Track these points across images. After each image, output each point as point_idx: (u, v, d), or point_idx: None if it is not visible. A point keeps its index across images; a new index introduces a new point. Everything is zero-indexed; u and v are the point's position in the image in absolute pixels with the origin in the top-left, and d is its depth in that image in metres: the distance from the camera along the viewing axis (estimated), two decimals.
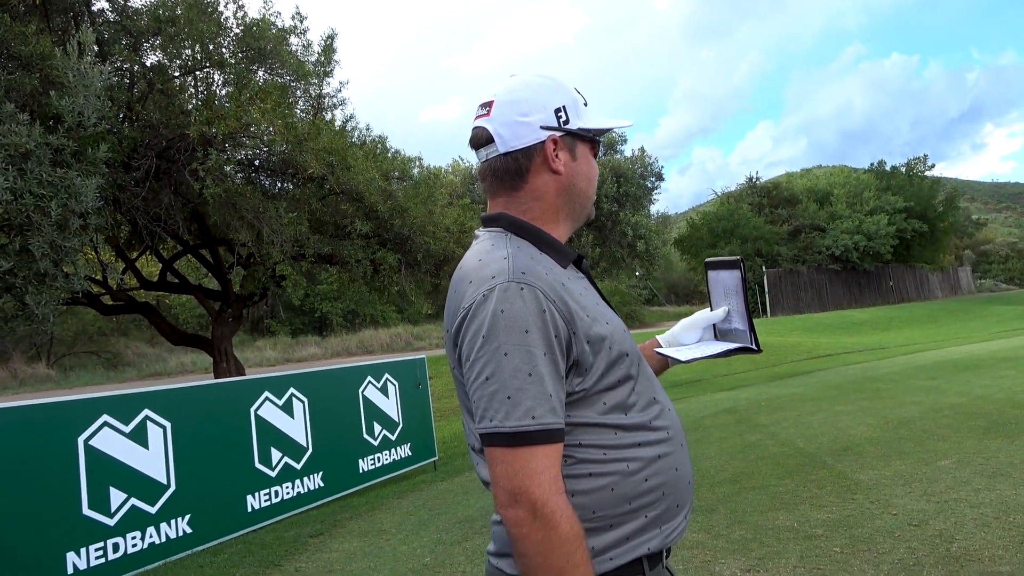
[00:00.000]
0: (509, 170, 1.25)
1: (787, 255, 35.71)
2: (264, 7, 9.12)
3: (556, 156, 1.24)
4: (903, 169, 41.47)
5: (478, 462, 1.23)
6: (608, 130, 1.36)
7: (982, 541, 3.51)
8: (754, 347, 1.45)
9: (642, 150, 25.39)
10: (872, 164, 42.74)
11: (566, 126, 1.25)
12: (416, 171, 10.96)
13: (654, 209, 31.81)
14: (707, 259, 1.57)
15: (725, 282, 1.51)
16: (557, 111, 1.25)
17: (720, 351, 1.47)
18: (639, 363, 1.24)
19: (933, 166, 43.56)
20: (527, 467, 1.05)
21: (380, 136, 10.44)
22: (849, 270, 36.31)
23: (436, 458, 7.38)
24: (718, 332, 1.56)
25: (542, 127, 1.23)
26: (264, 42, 8.35)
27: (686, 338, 1.56)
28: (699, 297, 45.42)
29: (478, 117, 1.27)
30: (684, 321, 1.58)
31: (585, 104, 1.31)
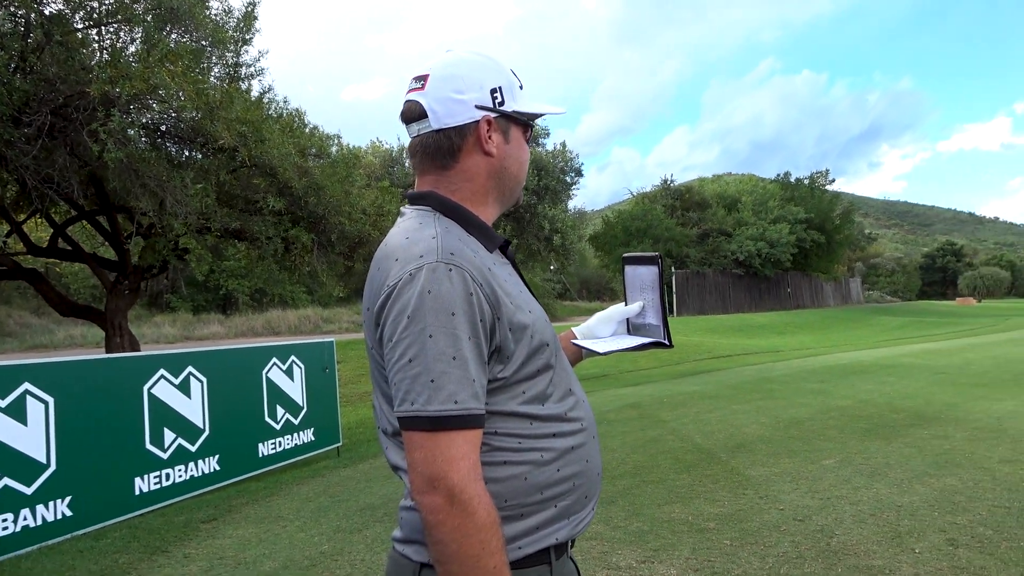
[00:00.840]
0: (441, 148, 1.22)
1: (695, 257, 37.01)
2: None
3: (489, 137, 1.22)
4: (806, 182, 43.69)
5: (388, 446, 1.21)
6: (541, 115, 1.36)
7: (858, 536, 3.75)
8: (666, 342, 1.48)
9: (563, 145, 25.65)
10: (778, 175, 44.87)
11: (501, 107, 1.23)
12: (334, 149, 10.69)
13: (572, 204, 32.22)
14: (625, 254, 1.58)
15: (642, 277, 1.53)
16: (493, 91, 1.23)
17: (634, 344, 1.50)
18: (557, 353, 1.24)
19: (833, 180, 46.12)
20: (447, 453, 1.03)
21: (298, 110, 10.11)
22: (751, 275, 38.00)
23: (340, 444, 7.24)
24: (631, 326, 1.58)
25: (477, 106, 1.21)
26: (180, 1, 7.91)
27: (601, 331, 1.56)
28: (610, 294, 46.40)
29: (411, 91, 1.23)
30: (600, 314, 1.59)
31: (521, 87, 1.29)
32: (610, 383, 11.94)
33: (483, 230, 1.22)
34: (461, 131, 1.21)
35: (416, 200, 1.25)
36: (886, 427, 6.47)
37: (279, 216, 8.80)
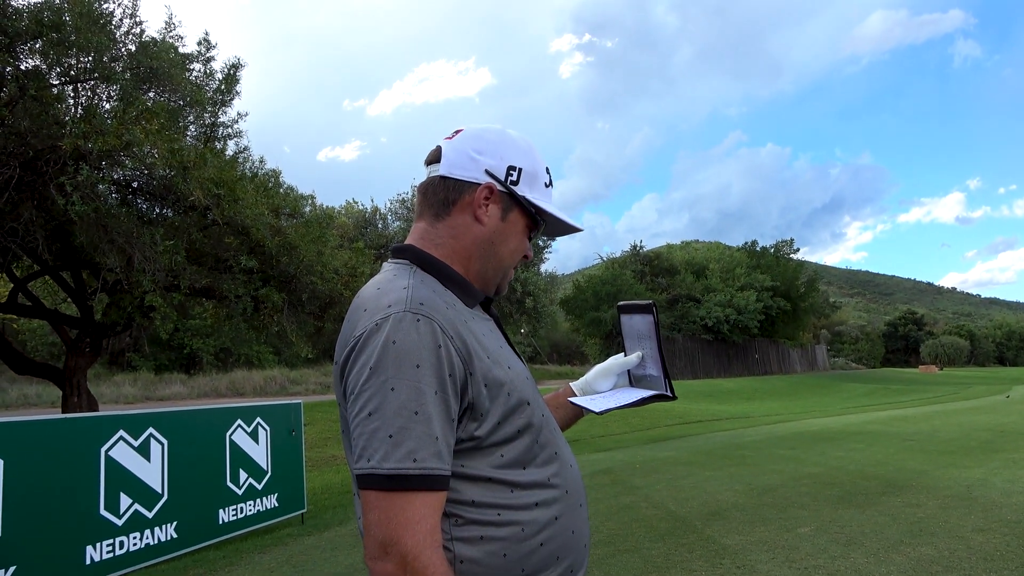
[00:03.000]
0: (438, 195, 1.21)
1: (664, 323, 37.35)
2: (166, 29, 8.77)
3: (484, 205, 1.20)
4: (772, 250, 44.74)
5: (356, 505, 1.15)
6: (555, 220, 1.29)
7: None
8: (669, 394, 1.41)
9: None
10: (745, 243, 45.93)
11: (511, 186, 1.21)
12: (308, 209, 10.69)
13: (544, 268, 32.55)
14: (619, 303, 1.51)
15: (638, 327, 1.46)
16: (511, 168, 1.21)
17: (635, 399, 1.41)
18: (542, 414, 1.18)
19: (798, 250, 47.32)
20: (402, 515, 0.97)
21: (273, 170, 10.15)
22: (720, 341, 38.37)
23: (305, 510, 6.99)
24: (633, 379, 1.50)
25: (487, 171, 1.20)
26: (160, 63, 7.98)
27: (600, 385, 1.50)
28: (580, 358, 46.31)
29: (445, 139, 1.25)
30: (598, 368, 1.52)
31: (547, 185, 1.27)
32: (581, 448, 11.79)
33: (462, 284, 1.19)
34: (461, 186, 1.20)
35: (397, 253, 1.24)
36: (859, 495, 6.45)
37: (250, 275, 8.70)
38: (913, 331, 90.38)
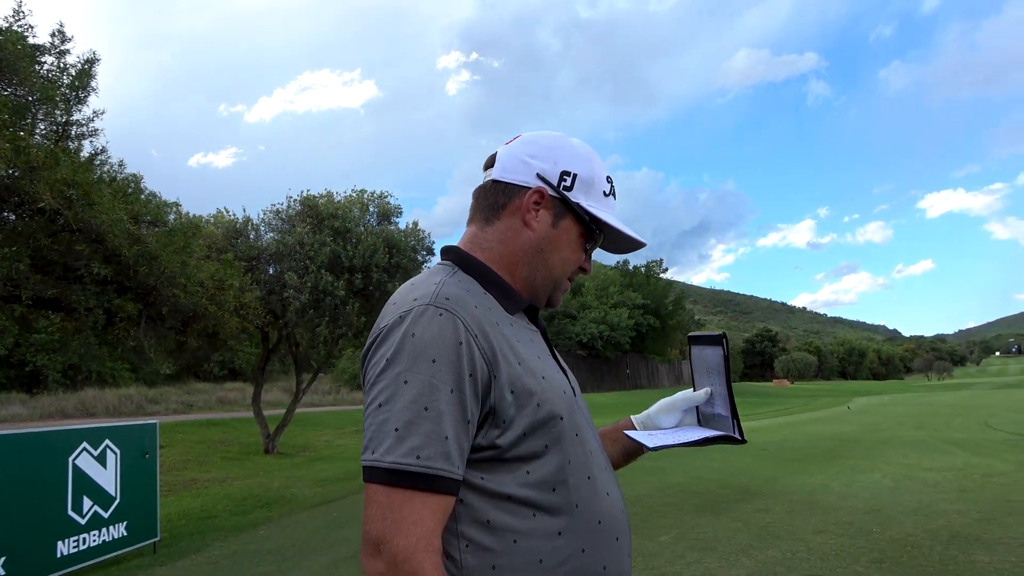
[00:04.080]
0: (489, 199, 1.18)
1: None
2: (13, 18, 8.06)
3: (534, 209, 1.15)
4: (643, 270, 46.80)
5: None
6: (613, 231, 1.20)
7: None
8: (737, 436, 1.26)
9: (415, 223, 25.98)
10: (618, 263, 47.75)
11: (564, 191, 1.15)
12: (172, 217, 10.10)
13: None
14: (690, 333, 1.38)
15: (708, 360, 1.32)
16: (565, 173, 1.16)
17: (696, 438, 1.27)
18: (579, 432, 1.10)
19: (667, 270, 49.84)
20: (398, 513, 0.91)
21: (134, 175, 9.52)
22: (594, 356, 39.61)
23: (158, 539, 6.54)
24: (701, 417, 1.36)
25: (538, 175, 1.15)
26: (4, 54, 7.31)
27: (663, 421, 1.36)
28: None
29: (504, 144, 1.22)
30: (663, 402, 1.38)
31: (607, 194, 1.20)
32: None
33: (502, 288, 1.13)
34: (511, 190, 1.16)
35: (443, 254, 1.21)
36: (717, 502, 6.84)
37: (103, 285, 8.10)
38: (768, 347, 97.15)
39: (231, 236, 12.69)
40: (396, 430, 0.93)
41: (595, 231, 1.18)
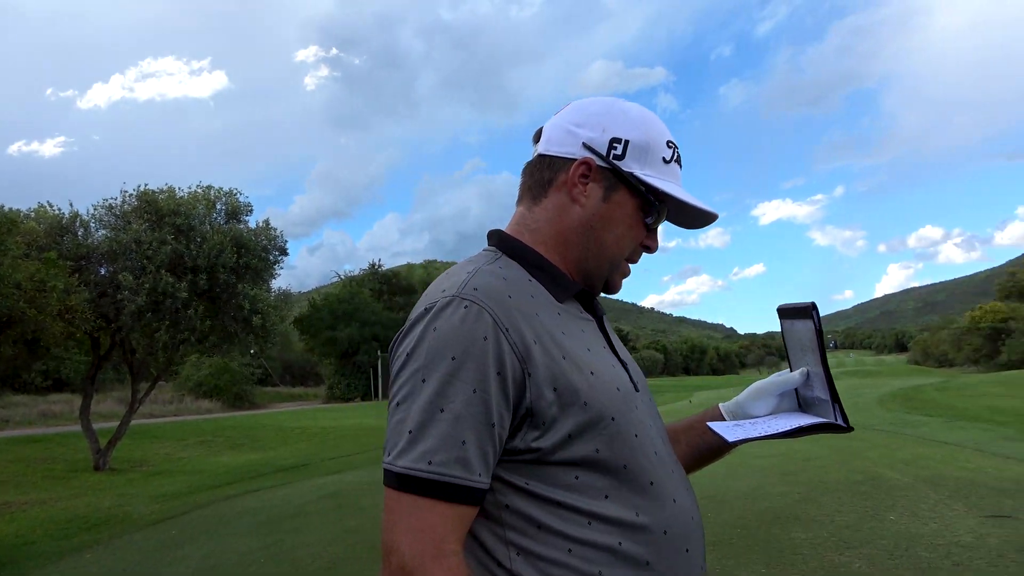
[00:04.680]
0: (535, 176, 1.08)
1: None
2: None
3: (581, 183, 1.03)
4: None
5: None
6: (676, 201, 1.06)
7: None
8: (840, 423, 1.08)
9: (267, 222, 24.87)
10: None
11: (615, 160, 1.02)
12: None
13: (275, 284, 30.91)
14: (780, 305, 1.17)
15: (800, 335, 1.14)
16: (615, 140, 1.02)
17: (789, 428, 1.09)
18: (639, 433, 0.98)
19: None
20: (406, 520, 0.85)
21: None
22: None
23: None
24: (803, 402, 1.17)
25: (584, 144, 1.03)
26: None
27: (755, 408, 1.18)
28: (315, 379, 44.55)
29: (554, 114, 1.10)
30: (754, 386, 1.20)
31: (667, 161, 1.06)
32: (310, 472, 11.39)
33: (550, 273, 1.02)
34: (557, 163, 1.05)
35: (488, 239, 1.10)
36: None
37: None
38: None
39: (55, 233, 11.54)
40: (410, 432, 0.86)
41: (654, 203, 1.04)
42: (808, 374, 1.13)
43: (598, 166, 1.02)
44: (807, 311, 1.09)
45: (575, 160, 1.03)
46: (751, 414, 1.17)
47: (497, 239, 1.07)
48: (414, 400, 0.87)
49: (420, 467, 0.85)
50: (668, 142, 1.06)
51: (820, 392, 1.10)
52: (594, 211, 1.03)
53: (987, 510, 5.67)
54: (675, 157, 1.06)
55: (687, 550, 0.97)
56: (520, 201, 1.10)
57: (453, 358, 0.87)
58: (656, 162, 1.04)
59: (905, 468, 7.93)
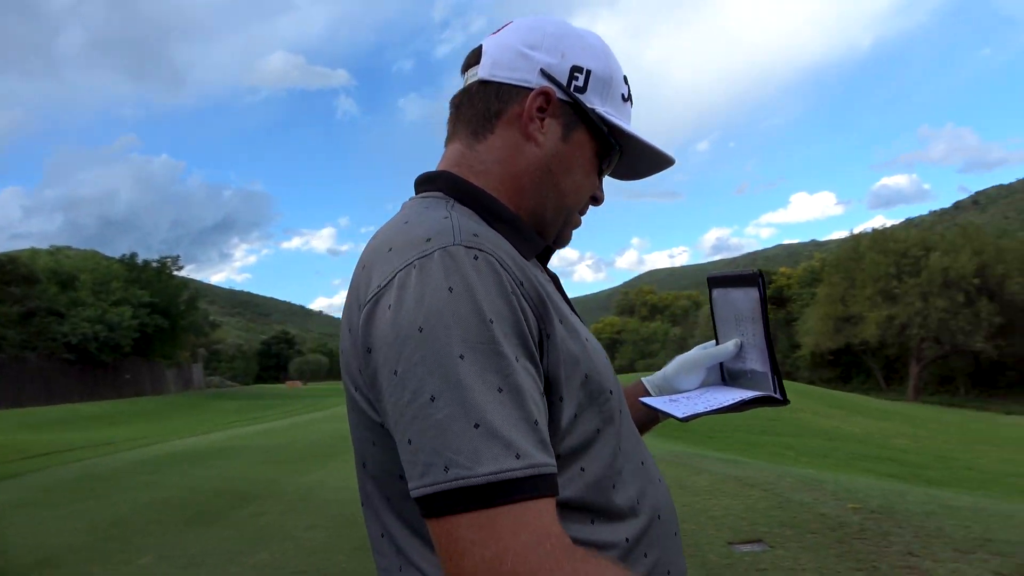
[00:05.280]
0: (476, 106, 0.87)
1: (14, 340, 31.57)
2: None
3: (538, 118, 0.85)
4: (155, 265, 42.64)
5: (392, 551, 0.79)
6: (638, 145, 0.92)
7: None
8: (778, 396, 1.02)
9: None
10: (124, 255, 42.56)
11: (576, 93, 0.86)
12: None
13: None
14: (711, 274, 1.11)
15: (738, 305, 1.06)
16: (575, 69, 0.86)
17: (733, 401, 1.02)
18: (623, 408, 0.85)
19: (182, 267, 46.01)
20: (521, 536, 0.62)
21: None
22: (86, 361, 34.43)
23: None
24: (728, 374, 1.12)
25: (542, 71, 0.85)
26: None
27: (683, 382, 1.10)
28: None
29: (489, 35, 0.90)
30: (680, 359, 1.11)
31: (625, 98, 0.91)
32: None
33: (515, 226, 0.83)
34: (507, 92, 0.86)
35: (422, 184, 0.89)
36: (209, 513, 6.50)
37: None
38: (285, 349, 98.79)
39: None
40: (476, 426, 0.64)
41: (615, 146, 0.90)
42: (741, 345, 1.06)
43: (558, 99, 0.86)
44: (752, 279, 1.01)
45: (531, 90, 0.85)
46: (679, 388, 1.10)
47: (446, 182, 0.86)
48: (458, 386, 0.65)
49: (510, 466, 0.64)
50: (624, 77, 0.92)
51: (756, 364, 1.04)
52: (553, 151, 0.87)
53: None
54: (630, 96, 0.93)
55: (675, 533, 0.89)
56: (452, 138, 0.91)
57: (490, 320, 0.67)
58: (616, 99, 0.90)
59: None
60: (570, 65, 0.86)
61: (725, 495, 6.20)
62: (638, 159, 0.96)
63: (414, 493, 0.66)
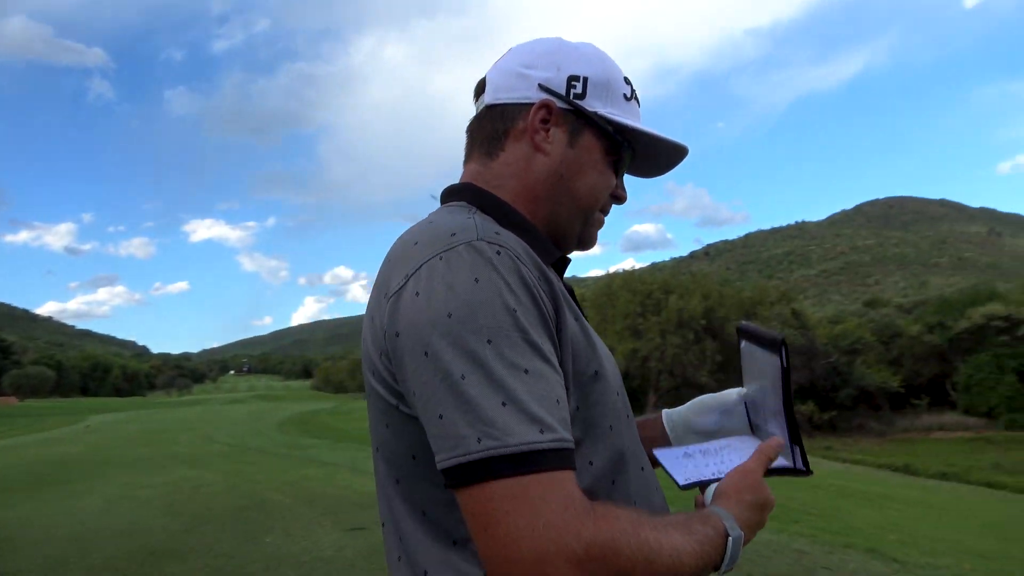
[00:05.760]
0: (486, 128, 0.95)
1: None
2: None
3: (545, 130, 0.92)
4: None
5: (402, 544, 0.82)
6: (646, 139, 0.97)
7: None
8: (801, 467, 0.95)
9: None
10: None
11: (576, 100, 0.93)
12: None
13: None
14: (742, 324, 1.09)
15: (760, 363, 1.02)
16: (572, 79, 0.93)
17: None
18: (628, 413, 0.91)
19: None
20: (551, 504, 0.67)
21: None
22: None
23: None
24: (753, 427, 1.07)
25: (540, 85, 0.92)
26: None
27: (698, 422, 1.11)
28: None
29: (493, 65, 0.98)
30: (699, 399, 1.14)
31: (629, 98, 0.97)
32: None
33: (535, 236, 0.89)
34: (511, 111, 0.93)
35: (446, 198, 0.96)
36: None
37: None
38: (0, 360, 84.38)
39: None
40: (503, 404, 0.69)
41: (623, 144, 0.95)
42: (756, 402, 1.06)
43: (559, 108, 0.92)
44: (776, 344, 0.97)
45: (532, 104, 0.92)
46: (694, 428, 1.11)
47: (470, 193, 0.93)
48: (485, 366, 0.70)
49: (537, 438, 0.69)
50: (625, 78, 0.98)
51: (775, 429, 1.01)
52: (561, 158, 0.93)
53: (348, 524, 6.38)
54: (634, 94, 0.98)
55: None
56: (469, 160, 0.98)
57: (514, 309, 0.73)
58: (618, 100, 0.96)
59: (289, 489, 8.35)
60: (567, 75, 0.93)
61: None
62: (654, 154, 1.01)
63: (444, 464, 0.70)
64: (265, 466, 10.87)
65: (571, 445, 0.72)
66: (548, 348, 0.75)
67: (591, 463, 0.81)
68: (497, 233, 0.80)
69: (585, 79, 0.93)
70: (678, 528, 0.74)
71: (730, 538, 0.77)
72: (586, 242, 1.00)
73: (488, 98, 0.96)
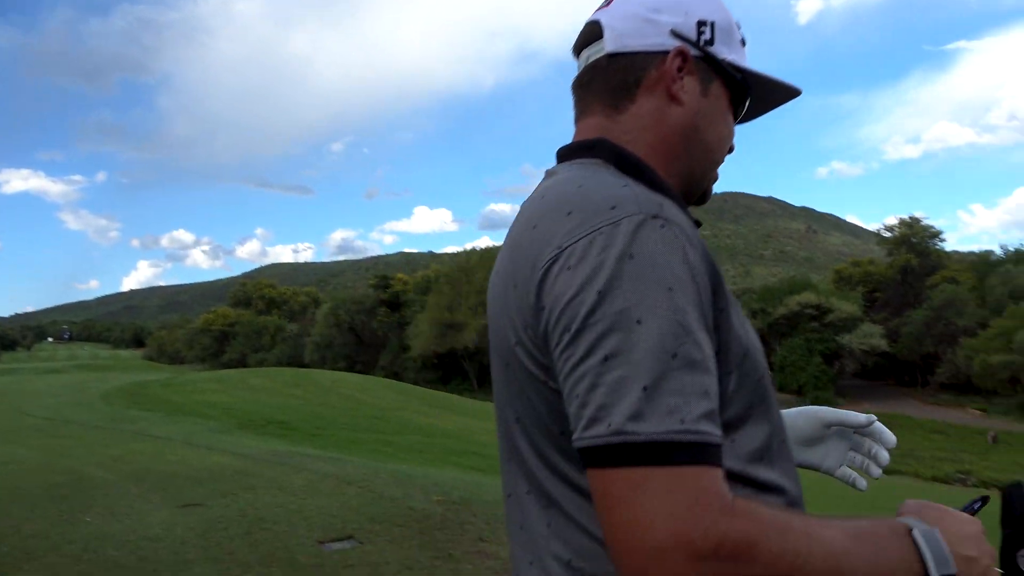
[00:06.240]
0: (611, 80, 0.88)
1: None
2: None
3: (680, 78, 0.86)
4: None
5: (531, 519, 0.83)
6: (767, 84, 0.93)
7: None
8: None
9: None
10: None
11: (708, 47, 0.87)
12: None
13: None
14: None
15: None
16: (701, 24, 0.87)
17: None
18: (774, 394, 0.84)
19: None
20: (674, 501, 0.63)
21: None
22: None
23: None
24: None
25: (673, 31, 0.86)
26: None
27: (796, 430, 1.05)
28: None
29: (596, 11, 0.91)
30: (806, 407, 1.08)
31: (743, 43, 0.92)
32: None
33: (672, 195, 0.82)
34: (643, 60, 0.86)
35: (576, 153, 0.87)
36: None
37: None
38: None
39: None
40: (644, 389, 0.65)
41: (749, 91, 0.92)
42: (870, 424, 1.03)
43: (692, 56, 0.87)
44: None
45: (666, 52, 0.86)
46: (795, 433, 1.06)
47: (607, 151, 0.85)
48: (634, 348, 0.67)
49: (675, 428, 0.65)
50: (736, 22, 0.93)
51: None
52: (696, 108, 0.88)
53: (181, 500, 6.05)
54: (744, 38, 0.94)
55: None
56: (587, 114, 0.91)
57: (670, 289, 0.69)
58: (737, 44, 0.92)
59: (113, 465, 7.79)
60: (695, 20, 0.88)
61: (321, 494, 6.26)
62: (763, 97, 0.98)
63: (577, 444, 0.69)
64: (86, 440, 10.03)
65: (712, 439, 0.67)
66: (703, 334, 0.70)
67: (733, 441, 0.77)
68: (661, 205, 0.74)
69: (712, 23, 0.89)
70: (845, 531, 0.69)
71: (916, 531, 0.71)
72: (707, 197, 0.97)
73: (611, 46, 0.88)
